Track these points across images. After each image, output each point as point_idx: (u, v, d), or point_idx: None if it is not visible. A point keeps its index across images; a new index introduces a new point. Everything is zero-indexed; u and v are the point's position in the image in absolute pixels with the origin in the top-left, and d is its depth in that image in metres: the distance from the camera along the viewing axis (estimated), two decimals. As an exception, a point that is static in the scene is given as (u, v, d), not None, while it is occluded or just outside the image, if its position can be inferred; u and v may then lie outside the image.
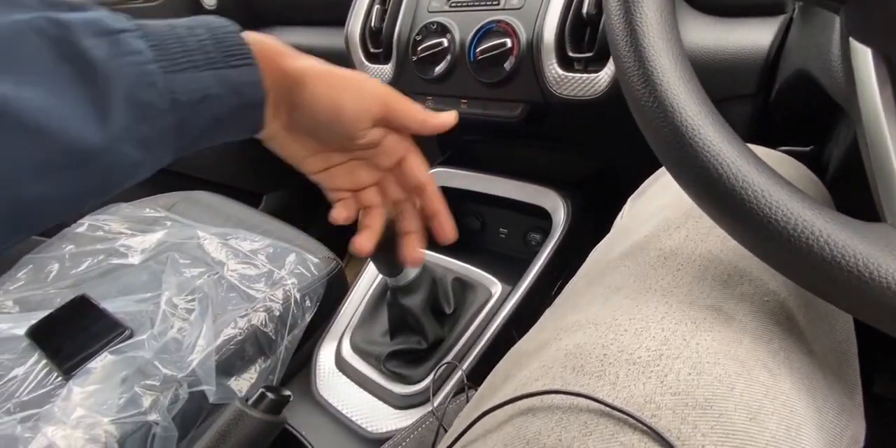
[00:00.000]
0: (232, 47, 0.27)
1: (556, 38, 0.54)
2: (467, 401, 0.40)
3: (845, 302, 0.22)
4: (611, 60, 0.52)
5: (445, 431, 0.41)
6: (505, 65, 0.57)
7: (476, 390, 0.41)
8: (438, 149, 0.83)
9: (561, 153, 0.69)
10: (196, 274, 0.70)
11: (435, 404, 0.41)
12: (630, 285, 0.30)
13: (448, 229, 0.37)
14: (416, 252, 0.39)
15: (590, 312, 0.30)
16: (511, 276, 0.62)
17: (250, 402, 0.35)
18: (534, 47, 0.55)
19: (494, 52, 0.56)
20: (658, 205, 0.37)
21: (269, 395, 0.35)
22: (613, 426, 0.23)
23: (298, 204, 1.26)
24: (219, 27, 0.27)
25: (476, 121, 0.65)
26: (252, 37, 0.29)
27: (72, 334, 0.62)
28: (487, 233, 0.76)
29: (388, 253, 0.51)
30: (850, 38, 0.27)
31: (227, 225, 0.79)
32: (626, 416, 0.23)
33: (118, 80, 0.23)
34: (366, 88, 0.32)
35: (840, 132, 0.40)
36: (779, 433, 0.23)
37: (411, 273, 0.55)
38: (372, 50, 0.69)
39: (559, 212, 0.63)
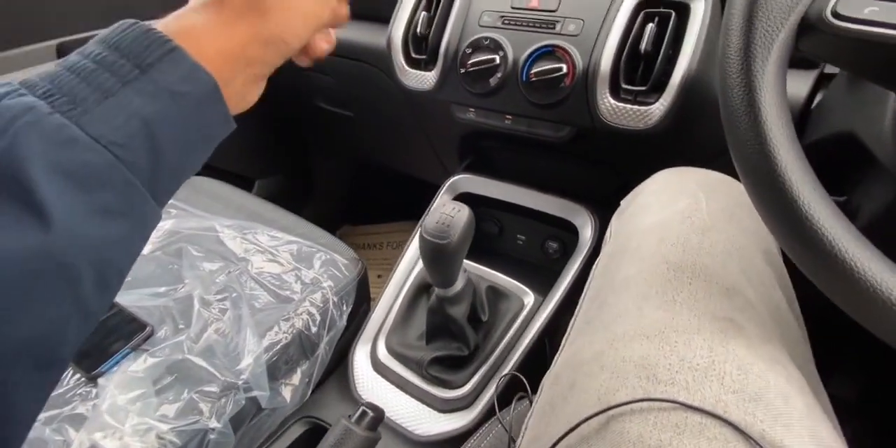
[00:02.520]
0: (139, 44, 0.20)
1: (611, 70, 0.57)
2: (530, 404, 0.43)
3: None
4: (664, 95, 0.55)
5: (508, 434, 0.44)
6: (558, 89, 0.59)
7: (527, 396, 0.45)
8: (457, 156, 0.84)
9: (587, 169, 0.73)
10: (216, 269, 0.68)
11: (499, 412, 0.45)
12: (654, 296, 0.36)
13: None
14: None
15: (632, 323, 0.35)
16: (540, 285, 0.66)
17: (353, 419, 0.37)
18: (588, 75, 0.58)
19: (550, 76, 0.58)
20: (648, 223, 0.43)
21: (370, 412, 0.37)
22: (699, 424, 0.28)
23: (290, 190, 1.23)
24: (112, 33, 0.21)
25: (515, 135, 0.67)
26: (165, 23, 0.22)
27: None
28: (505, 238, 0.79)
29: (442, 266, 0.54)
30: None
31: (238, 217, 0.76)
32: (707, 415, 0.28)
33: (28, 157, 0.17)
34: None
35: (871, 187, 0.46)
36: (804, 411, 0.30)
37: (459, 284, 0.57)
38: (414, 56, 0.69)
39: (587, 228, 0.67)
